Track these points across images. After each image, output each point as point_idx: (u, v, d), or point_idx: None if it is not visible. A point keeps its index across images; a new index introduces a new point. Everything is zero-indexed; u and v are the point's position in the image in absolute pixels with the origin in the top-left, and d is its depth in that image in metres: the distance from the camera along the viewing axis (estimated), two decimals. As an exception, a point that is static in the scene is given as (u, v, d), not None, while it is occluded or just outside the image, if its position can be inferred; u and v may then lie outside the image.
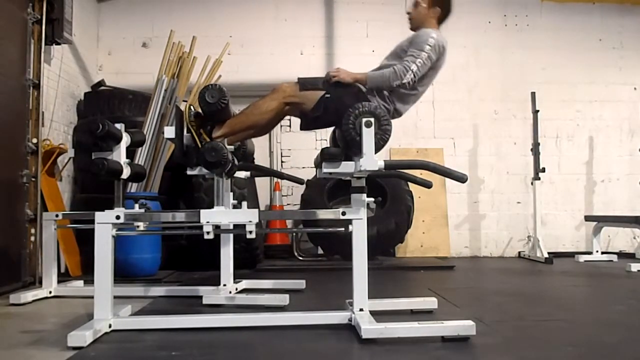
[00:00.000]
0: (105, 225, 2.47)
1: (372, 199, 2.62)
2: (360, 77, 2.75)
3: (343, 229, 2.54)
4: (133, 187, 4.31)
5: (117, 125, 2.75)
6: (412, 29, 2.94)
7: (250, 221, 2.59)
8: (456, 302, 3.15)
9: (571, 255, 5.64)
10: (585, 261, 5.36)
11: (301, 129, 2.95)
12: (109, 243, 2.46)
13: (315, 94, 2.77)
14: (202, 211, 2.58)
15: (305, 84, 2.81)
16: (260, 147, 4.92)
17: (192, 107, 2.75)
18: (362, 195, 2.52)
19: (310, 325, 2.52)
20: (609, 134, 6.15)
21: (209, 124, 2.73)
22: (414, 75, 2.70)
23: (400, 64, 2.72)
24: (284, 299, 3.01)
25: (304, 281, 3.60)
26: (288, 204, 5.83)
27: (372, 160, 2.36)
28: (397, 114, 2.86)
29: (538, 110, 5.54)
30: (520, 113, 5.96)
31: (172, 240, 4.40)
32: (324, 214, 2.73)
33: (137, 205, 2.87)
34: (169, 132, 2.74)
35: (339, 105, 2.56)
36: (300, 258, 5.29)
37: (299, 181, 3.88)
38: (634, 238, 6.00)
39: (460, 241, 5.93)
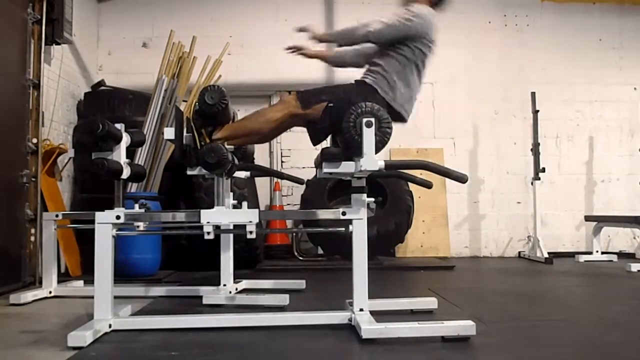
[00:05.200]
0: (105, 225, 2.47)
1: (372, 199, 2.61)
2: (325, 36, 2.89)
3: (343, 229, 2.54)
4: (133, 187, 4.30)
5: (117, 125, 2.74)
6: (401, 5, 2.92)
7: (250, 221, 2.58)
8: (456, 302, 3.15)
9: (571, 255, 5.64)
10: (585, 261, 5.36)
11: (314, 144, 2.82)
12: (109, 243, 2.46)
13: (320, 104, 2.71)
14: (202, 211, 2.58)
15: (306, 102, 2.72)
16: (260, 147, 4.93)
17: (197, 105, 2.73)
18: (362, 195, 2.51)
19: (310, 325, 2.52)
20: (609, 134, 6.15)
21: (212, 125, 2.72)
22: (381, 25, 2.72)
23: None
24: (284, 299, 3.01)
25: (304, 281, 3.60)
26: (288, 204, 5.83)
27: (372, 160, 2.35)
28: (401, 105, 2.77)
29: (538, 110, 5.54)
30: (520, 113, 5.96)
31: (172, 240, 4.39)
32: (324, 214, 2.72)
33: (137, 205, 2.86)
34: (169, 133, 2.74)
35: (345, 110, 2.46)
36: (300, 258, 5.29)
37: (299, 181, 3.88)
38: (634, 238, 5.99)
39: (460, 241, 5.92)
